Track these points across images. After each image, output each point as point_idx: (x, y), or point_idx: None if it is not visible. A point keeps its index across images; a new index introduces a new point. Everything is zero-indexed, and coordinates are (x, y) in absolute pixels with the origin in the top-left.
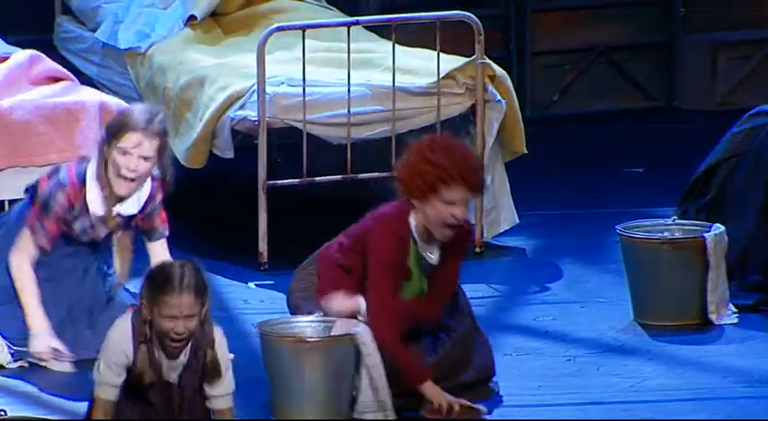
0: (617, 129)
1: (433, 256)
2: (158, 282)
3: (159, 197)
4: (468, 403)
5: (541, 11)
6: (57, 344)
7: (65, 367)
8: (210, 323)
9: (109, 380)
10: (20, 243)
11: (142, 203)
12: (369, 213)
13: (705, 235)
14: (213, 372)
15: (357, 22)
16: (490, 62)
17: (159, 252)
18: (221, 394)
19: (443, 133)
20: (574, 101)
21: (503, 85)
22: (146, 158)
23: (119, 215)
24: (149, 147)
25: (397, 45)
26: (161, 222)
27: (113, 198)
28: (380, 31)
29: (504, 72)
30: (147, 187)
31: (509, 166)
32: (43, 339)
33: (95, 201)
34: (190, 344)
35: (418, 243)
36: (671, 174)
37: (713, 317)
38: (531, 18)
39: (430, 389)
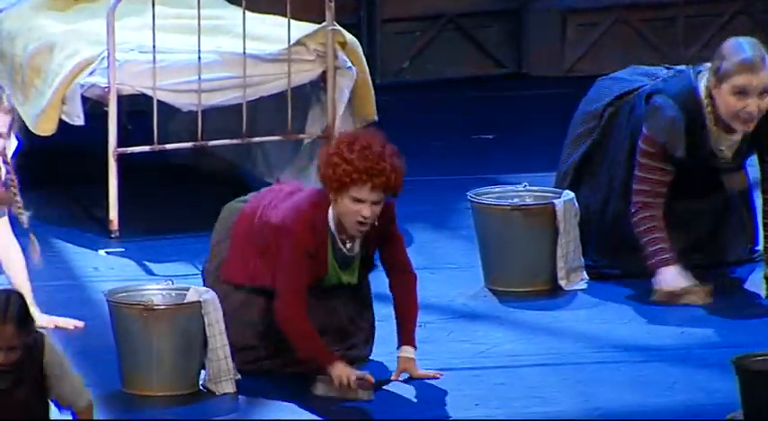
0: (467, 95)
1: (349, 247)
2: None
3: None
4: (369, 377)
5: None
6: None
7: None
8: (39, 341)
9: None
10: None
11: None
12: (287, 194)
13: (555, 201)
14: (54, 382)
15: None
16: (341, 29)
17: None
18: (72, 394)
19: (369, 130)
20: (424, 68)
21: (353, 51)
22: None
23: None
24: (2, 123)
25: (247, 12)
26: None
27: None
28: None
29: (354, 39)
30: None
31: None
32: None
33: None
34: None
35: (335, 234)
36: (521, 140)
37: (563, 283)
38: None
39: (338, 369)
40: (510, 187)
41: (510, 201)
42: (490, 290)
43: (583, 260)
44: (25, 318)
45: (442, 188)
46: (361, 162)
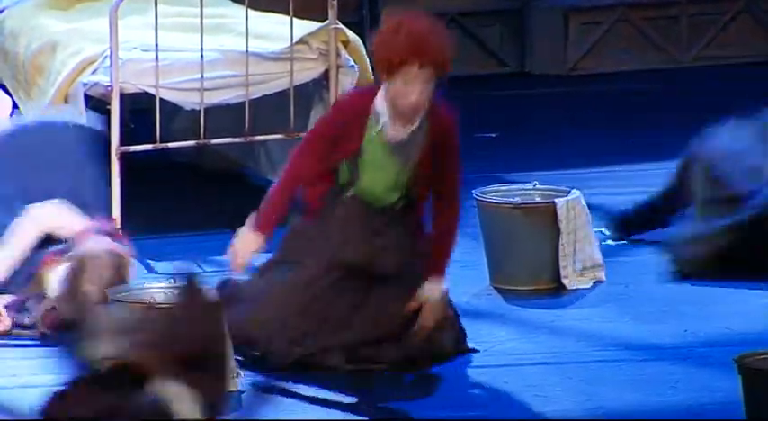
0: (470, 94)
1: (397, 132)
2: None
3: None
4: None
5: None
6: None
7: None
8: None
9: None
10: None
11: None
12: None
13: (556, 200)
14: None
15: None
16: (343, 27)
17: None
18: None
19: (415, 12)
20: None
21: (356, 50)
22: None
23: None
24: None
25: (250, 10)
26: None
27: None
28: None
29: (357, 37)
30: None
31: None
32: None
33: None
34: None
35: (381, 118)
36: (525, 139)
37: (566, 282)
38: None
39: (244, 238)
40: (518, 186)
41: (513, 199)
42: (495, 288)
43: (599, 257)
44: None
45: None
46: (409, 43)
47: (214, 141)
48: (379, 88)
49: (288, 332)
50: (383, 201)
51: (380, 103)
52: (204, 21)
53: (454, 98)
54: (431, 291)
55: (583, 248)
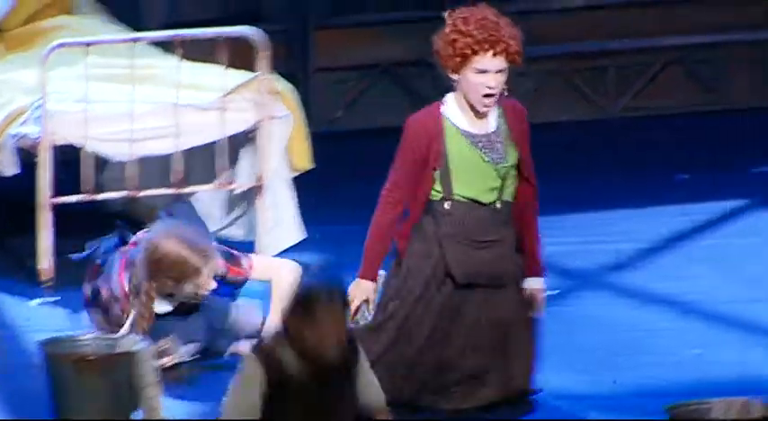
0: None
1: (477, 128)
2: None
3: None
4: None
5: (325, 27)
6: None
7: None
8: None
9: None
10: None
11: None
12: None
13: None
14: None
15: (140, 39)
16: (276, 77)
17: None
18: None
19: (481, 5)
20: (358, 116)
21: (288, 100)
22: None
23: None
24: None
25: (183, 60)
26: None
27: None
28: (167, 45)
29: (290, 87)
30: None
31: (295, 181)
32: None
33: None
34: None
35: (457, 120)
36: None
37: None
38: (315, 34)
39: (356, 288)
40: None
41: None
42: None
43: None
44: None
45: None
46: (480, 31)
47: (143, 193)
48: (440, 102)
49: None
50: (484, 202)
51: (450, 107)
52: (136, 71)
53: (386, 148)
54: (536, 284)
55: None
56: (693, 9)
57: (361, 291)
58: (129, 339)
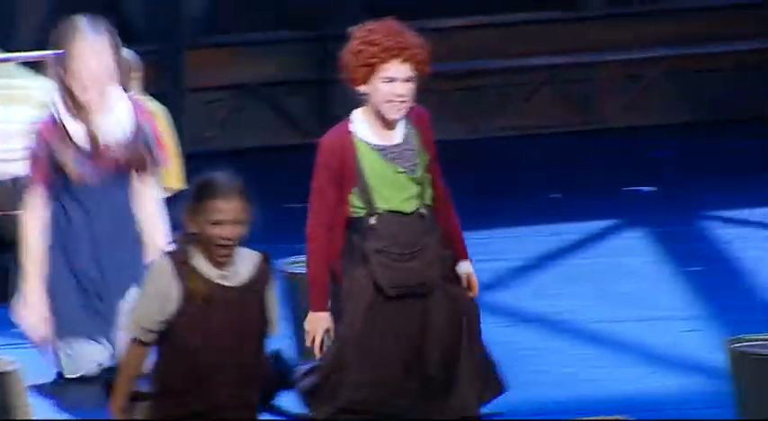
0: (273, 164)
1: (388, 138)
2: (204, 190)
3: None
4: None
5: (196, 47)
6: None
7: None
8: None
9: (148, 323)
10: (25, 203)
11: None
12: None
13: None
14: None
15: (9, 59)
16: (147, 98)
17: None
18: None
19: (386, 19)
20: (230, 136)
21: (160, 120)
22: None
23: (106, 145)
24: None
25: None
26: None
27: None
28: (39, 66)
29: (161, 107)
30: (125, 109)
31: (168, 202)
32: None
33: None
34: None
35: (367, 135)
36: None
37: None
38: (187, 55)
39: (312, 322)
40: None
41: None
42: None
43: None
44: (247, 193)
45: None
46: (386, 39)
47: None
48: (348, 120)
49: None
50: (408, 212)
51: (358, 124)
52: (10, 92)
53: (259, 168)
54: (469, 267)
55: None
56: (567, 29)
57: (319, 324)
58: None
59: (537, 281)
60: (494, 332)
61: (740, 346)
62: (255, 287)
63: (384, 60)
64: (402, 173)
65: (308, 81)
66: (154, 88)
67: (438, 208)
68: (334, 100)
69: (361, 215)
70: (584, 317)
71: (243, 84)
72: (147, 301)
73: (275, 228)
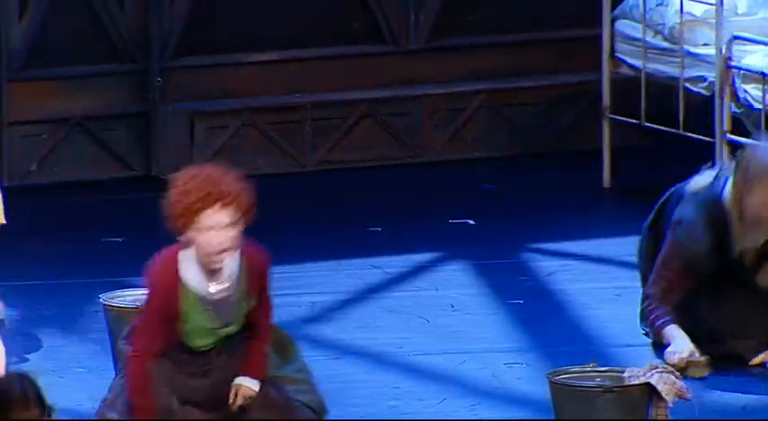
0: (95, 199)
1: (213, 289)
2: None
3: None
4: None
5: (16, 80)
6: None
7: None
8: None
9: None
10: None
11: None
12: None
13: None
14: None
15: None
16: None
17: None
18: None
19: (207, 164)
20: (53, 170)
21: None
22: None
23: None
24: None
25: None
26: None
27: None
28: None
29: None
30: None
31: None
32: None
33: None
34: None
35: (193, 280)
36: (152, 243)
37: None
38: (7, 87)
39: None
40: None
41: None
42: None
43: None
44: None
45: (73, 291)
46: (204, 186)
47: None
48: (176, 251)
49: None
50: (204, 349)
51: (187, 265)
52: None
53: (80, 203)
54: (243, 382)
55: None
56: (387, 62)
57: None
58: None
59: (358, 313)
60: (317, 365)
61: (561, 379)
62: None
63: (203, 207)
64: (213, 322)
65: (130, 114)
66: None
67: (250, 340)
68: (157, 132)
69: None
70: (405, 349)
71: (63, 117)
72: None
73: (91, 261)
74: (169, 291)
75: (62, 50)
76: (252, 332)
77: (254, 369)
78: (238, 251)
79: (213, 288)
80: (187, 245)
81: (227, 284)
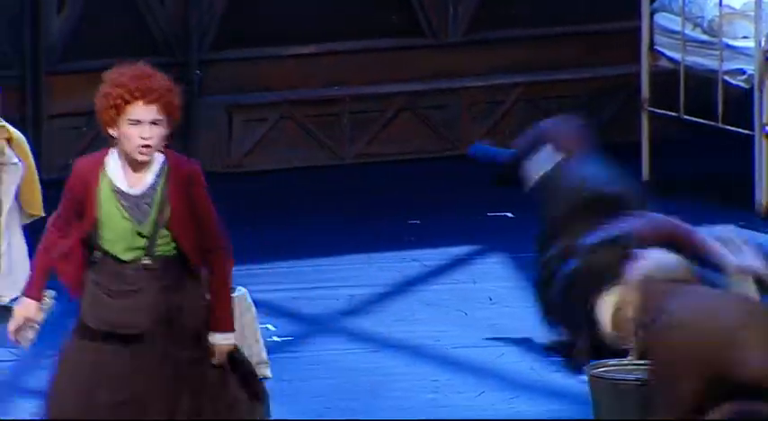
0: None
1: (134, 184)
2: None
3: None
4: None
5: (55, 73)
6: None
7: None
8: None
9: None
10: None
11: None
12: None
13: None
14: None
15: None
16: (6, 124)
17: None
18: None
19: (141, 63)
20: None
21: (20, 147)
22: None
23: None
24: None
25: None
26: None
27: None
28: None
29: (20, 134)
30: None
31: (27, 229)
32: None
33: None
34: None
35: (114, 175)
36: None
37: None
38: (46, 80)
39: (19, 306)
40: None
41: None
42: None
43: (265, 355)
44: None
45: None
46: (132, 81)
47: None
48: (106, 149)
49: None
50: (125, 260)
51: (112, 160)
52: None
53: None
54: (216, 340)
55: (249, 345)
56: (426, 55)
57: (24, 310)
58: None
59: (397, 306)
60: (355, 358)
61: (599, 372)
62: None
63: (129, 102)
64: (126, 219)
65: None
66: (14, 114)
67: (207, 269)
68: (195, 124)
69: (90, 250)
70: (444, 342)
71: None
72: None
73: None
74: (88, 173)
75: (101, 44)
76: (205, 261)
77: (222, 322)
78: (164, 156)
79: (131, 182)
80: (115, 143)
81: (147, 187)
